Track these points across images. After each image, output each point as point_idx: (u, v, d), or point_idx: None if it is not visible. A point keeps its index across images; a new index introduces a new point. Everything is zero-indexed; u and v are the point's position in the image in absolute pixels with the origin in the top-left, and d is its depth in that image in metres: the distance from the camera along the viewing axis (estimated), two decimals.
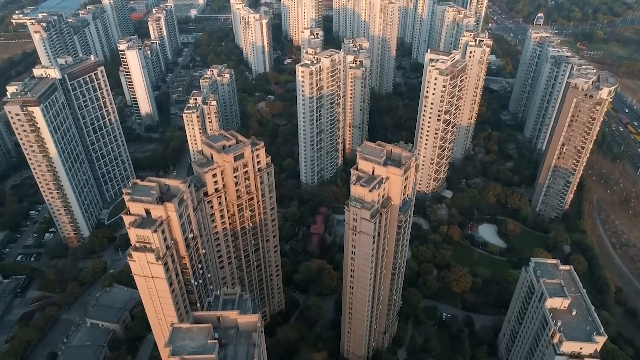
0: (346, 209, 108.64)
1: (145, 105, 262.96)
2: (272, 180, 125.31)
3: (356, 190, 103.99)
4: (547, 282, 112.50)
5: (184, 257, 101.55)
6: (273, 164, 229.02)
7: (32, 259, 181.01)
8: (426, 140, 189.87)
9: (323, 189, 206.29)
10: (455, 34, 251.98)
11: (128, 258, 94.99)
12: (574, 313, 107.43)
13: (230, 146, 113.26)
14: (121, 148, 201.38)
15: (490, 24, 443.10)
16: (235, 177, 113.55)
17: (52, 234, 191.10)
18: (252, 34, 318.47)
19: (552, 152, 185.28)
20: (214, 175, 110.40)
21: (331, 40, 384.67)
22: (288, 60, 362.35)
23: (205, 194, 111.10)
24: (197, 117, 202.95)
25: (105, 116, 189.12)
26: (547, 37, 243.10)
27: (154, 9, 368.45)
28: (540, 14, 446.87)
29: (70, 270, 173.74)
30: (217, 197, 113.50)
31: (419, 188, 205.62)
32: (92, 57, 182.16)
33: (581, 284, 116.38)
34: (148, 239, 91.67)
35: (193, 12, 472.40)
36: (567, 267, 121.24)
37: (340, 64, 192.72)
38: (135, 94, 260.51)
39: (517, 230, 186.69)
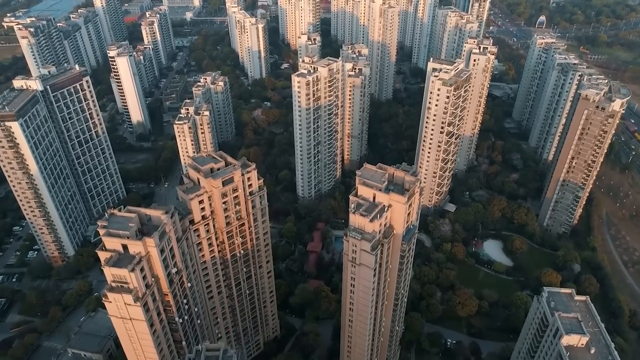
0: (344, 239, 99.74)
1: (136, 114, 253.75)
2: (265, 204, 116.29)
3: (355, 219, 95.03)
4: (562, 316, 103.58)
5: (167, 294, 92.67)
6: (268, 174, 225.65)
7: (14, 280, 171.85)
8: (428, 152, 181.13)
9: (321, 204, 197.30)
10: (458, 40, 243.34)
11: (103, 298, 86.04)
12: (592, 351, 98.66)
13: (218, 169, 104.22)
14: (109, 161, 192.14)
15: (491, 27, 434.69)
16: (224, 203, 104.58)
17: (35, 252, 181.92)
18: (248, 39, 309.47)
19: (560, 165, 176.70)
20: (201, 202, 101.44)
21: (329, 44, 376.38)
22: (285, 65, 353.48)
23: (192, 221, 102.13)
24: (189, 128, 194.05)
25: (92, 128, 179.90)
26: (552, 43, 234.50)
27: (147, 13, 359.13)
28: (542, 17, 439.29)
29: (53, 292, 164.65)
30: (205, 225, 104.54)
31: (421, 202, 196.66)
32: (77, 66, 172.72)
33: (599, 318, 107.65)
34: (125, 278, 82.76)
35: (188, 15, 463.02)
36: (582, 298, 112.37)
37: (338, 73, 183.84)
38: (126, 102, 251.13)
39: (524, 247, 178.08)
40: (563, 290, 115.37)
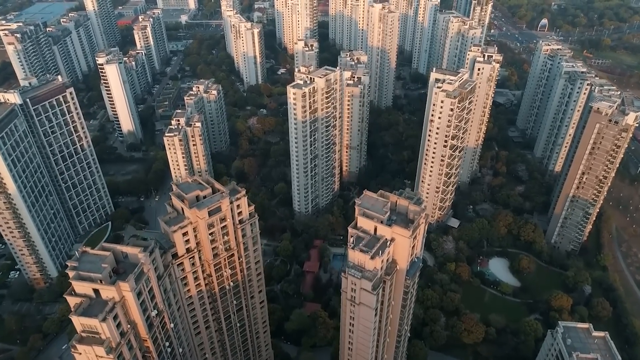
0: (343, 276, 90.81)
1: (127, 123, 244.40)
2: (257, 231, 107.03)
3: (355, 256, 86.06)
4: (580, 357, 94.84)
5: (146, 340, 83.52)
6: (264, 187, 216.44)
7: None
8: (431, 167, 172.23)
9: (318, 219, 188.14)
10: (460, 46, 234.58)
11: (72, 350, 76.84)
12: None
13: (205, 197, 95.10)
14: (95, 175, 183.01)
15: (492, 31, 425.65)
16: (211, 234, 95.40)
17: (17, 272, 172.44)
18: (243, 44, 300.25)
19: (570, 181, 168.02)
20: (185, 234, 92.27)
21: (327, 48, 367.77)
22: (282, 70, 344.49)
23: (175, 255, 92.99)
24: (180, 140, 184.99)
25: (77, 142, 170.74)
26: (558, 50, 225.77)
27: (140, 17, 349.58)
28: (544, 20, 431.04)
29: (34, 317, 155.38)
30: (190, 258, 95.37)
31: None
32: (59, 77, 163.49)
33: (619, 356, 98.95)
34: (96, 328, 73.63)
35: (184, 18, 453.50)
36: (601, 334, 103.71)
37: (336, 83, 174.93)
38: (116, 111, 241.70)
39: (531, 267, 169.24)
40: (580, 325, 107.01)
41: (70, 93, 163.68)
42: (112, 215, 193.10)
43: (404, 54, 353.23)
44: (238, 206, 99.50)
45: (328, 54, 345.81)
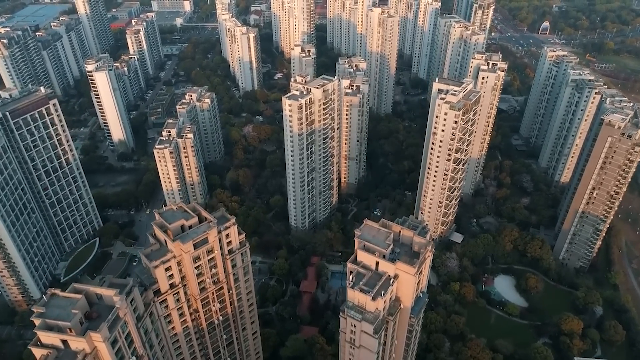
0: (341, 316, 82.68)
1: (117, 132, 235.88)
2: (248, 260, 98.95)
3: (355, 296, 78.04)
4: None
5: None
6: (259, 199, 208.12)
7: None
8: (433, 181, 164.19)
9: (315, 235, 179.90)
10: (462, 52, 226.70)
11: None
12: None
13: (190, 227, 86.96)
14: (82, 190, 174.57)
15: (493, 34, 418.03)
16: (197, 267, 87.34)
17: None
18: (238, 49, 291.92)
19: (579, 196, 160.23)
20: (168, 269, 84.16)
21: (325, 52, 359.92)
22: (279, 75, 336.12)
23: (158, 292, 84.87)
24: (171, 152, 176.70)
25: (61, 155, 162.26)
26: (564, 56, 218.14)
27: (133, 20, 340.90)
28: (546, 23, 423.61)
29: (15, 342, 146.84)
30: (174, 294, 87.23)
31: None
32: (42, 88, 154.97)
33: None
34: None
35: (179, 21, 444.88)
36: None
37: (334, 93, 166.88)
38: (106, 120, 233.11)
39: (539, 286, 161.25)
40: None
41: (54, 105, 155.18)
42: (100, 231, 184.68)
43: (404, 58, 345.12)
44: (227, 235, 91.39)
45: (326, 58, 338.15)
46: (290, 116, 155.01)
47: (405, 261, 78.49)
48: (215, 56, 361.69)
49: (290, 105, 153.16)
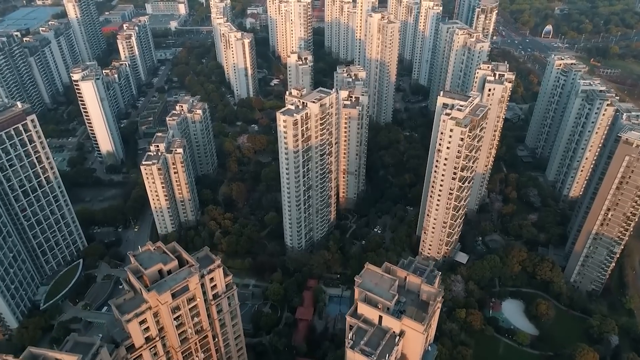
0: None
1: (106, 143, 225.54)
2: (236, 303, 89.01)
3: (355, 358, 67.99)
4: None
5: None
6: (253, 216, 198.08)
7: None
8: (438, 200, 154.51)
9: (312, 256, 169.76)
10: (466, 61, 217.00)
11: None
12: None
13: (169, 271, 77.01)
14: (64, 209, 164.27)
15: (494, 38, 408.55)
16: (176, 318, 77.34)
17: None
18: (233, 55, 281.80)
19: (593, 216, 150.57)
20: (143, 322, 74.18)
21: (322, 57, 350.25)
22: (275, 81, 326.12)
23: (132, 346, 74.89)
24: (159, 169, 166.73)
25: (40, 174, 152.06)
26: (572, 64, 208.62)
27: (124, 25, 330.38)
28: (549, 26, 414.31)
29: None
30: (151, 349, 77.22)
31: (429, 253, 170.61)
32: (18, 103, 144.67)
33: None
34: None
35: (173, 24, 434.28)
36: None
37: (332, 107, 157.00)
38: (93, 131, 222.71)
39: (550, 313, 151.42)
40: None
41: (32, 120, 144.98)
42: (85, 251, 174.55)
43: (404, 63, 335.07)
44: (212, 279, 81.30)
45: (324, 63, 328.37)
46: (285, 132, 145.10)
47: (413, 316, 68.71)
48: (210, 61, 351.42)
49: (285, 121, 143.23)
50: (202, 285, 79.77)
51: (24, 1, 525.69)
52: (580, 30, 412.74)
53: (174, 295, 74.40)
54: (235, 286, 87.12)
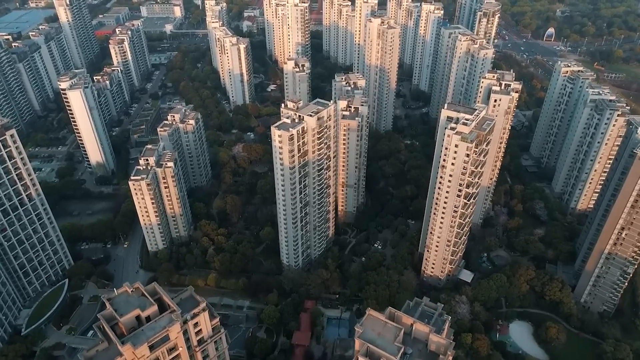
0: None
1: (95, 154, 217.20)
2: (224, 347, 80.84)
3: None
4: None
5: None
6: (247, 231, 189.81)
7: None
8: (442, 218, 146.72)
9: (310, 275, 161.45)
10: (469, 68, 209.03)
11: None
12: None
13: (148, 318, 68.88)
14: (48, 227, 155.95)
15: (496, 41, 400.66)
16: None
17: None
18: (228, 60, 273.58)
19: (606, 235, 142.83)
20: None
21: (321, 61, 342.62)
22: (272, 87, 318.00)
23: None
24: (148, 184, 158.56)
25: (22, 192, 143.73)
26: (579, 72, 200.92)
27: (117, 29, 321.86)
28: (551, 29, 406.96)
29: None
30: None
31: (432, 273, 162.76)
32: None
33: None
34: None
35: (168, 28, 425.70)
36: None
37: (330, 120, 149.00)
38: (82, 141, 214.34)
39: (561, 337, 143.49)
40: None
41: (12, 136, 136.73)
42: (71, 271, 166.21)
43: (403, 67, 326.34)
44: (196, 324, 73.19)
45: (322, 68, 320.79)
46: (280, 148, 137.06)
47: None
48: (205, 66, 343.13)
49: (280, 136, 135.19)
50: (186, 331, 71.87)
51: (17, 3, 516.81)
52: (582, 33, 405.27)
53: (152, 347, 66.45)
54: (222, 328, 79.05)
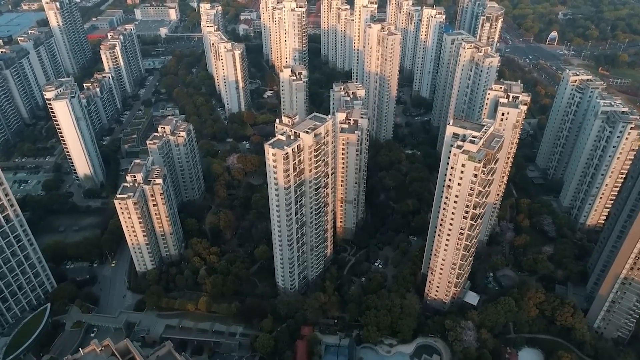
0: None
1: (83, 166, 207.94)
2: None
3: None
4: None
5: None
6: (241, 249, 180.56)
7: None
8: (447, 240, 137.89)
9: (306, 299, 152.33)
10: (473, 77, 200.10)
11: None
12: None
13: None
14: (28, 249, 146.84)
15: (498, 44, 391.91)
16: None
17: None
18: (223, 67, 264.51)
19: (622, 260, 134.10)
20: None
21: (319, 66, 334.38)
22: (269, 93, 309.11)
23: None
24: (135, 204, 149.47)
25: None
26: (589, 81, 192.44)
27: (109, 34, 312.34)
28: (554, 33, 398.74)
29: None
30: None
31: (436, 296, 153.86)
32: None
33: None
34: None
35: (163, 31, 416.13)
36: None
37: (327, 135, 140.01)
38: (69, 153, 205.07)
39: None
40: None
41: None
42: (53, 294, 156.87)
43: (404, 73, 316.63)
44: None
45: (320, 74, 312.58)
46: (275, 167, 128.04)
47: None
48: (200, 71, 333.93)
49: (274, 155, 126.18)
50: None
51: (9, 6, 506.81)
52: (586, 37, 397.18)
53: None
54: None
